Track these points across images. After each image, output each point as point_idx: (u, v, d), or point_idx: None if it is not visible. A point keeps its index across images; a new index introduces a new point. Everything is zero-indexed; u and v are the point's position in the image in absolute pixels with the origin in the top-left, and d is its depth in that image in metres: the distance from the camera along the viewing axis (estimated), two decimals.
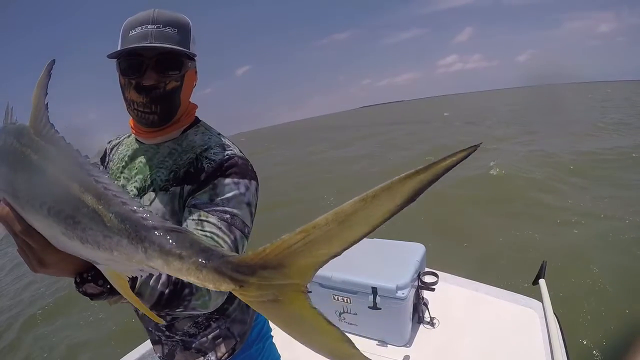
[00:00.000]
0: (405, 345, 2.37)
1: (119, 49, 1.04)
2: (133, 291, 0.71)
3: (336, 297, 2.42)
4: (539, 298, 2.50)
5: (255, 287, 0.42)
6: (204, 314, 1.11)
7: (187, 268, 0.45)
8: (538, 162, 11.01)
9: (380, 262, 2.41)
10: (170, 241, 0.47)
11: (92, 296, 0.70)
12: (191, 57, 1.08)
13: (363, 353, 0.43)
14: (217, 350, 1.18)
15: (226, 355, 1.19)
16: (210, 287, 0.44)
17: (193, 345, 1.17)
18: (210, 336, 1.16)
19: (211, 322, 1.16)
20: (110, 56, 1.05)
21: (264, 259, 0.41)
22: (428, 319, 2.52)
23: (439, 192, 8.50)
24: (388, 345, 2.40)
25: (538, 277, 2.61)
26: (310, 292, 0.42)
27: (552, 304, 2.37)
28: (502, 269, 4.62)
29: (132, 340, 2.51)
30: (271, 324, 1.39)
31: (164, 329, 1.16)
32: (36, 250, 0.62)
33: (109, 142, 1.26)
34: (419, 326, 2.52)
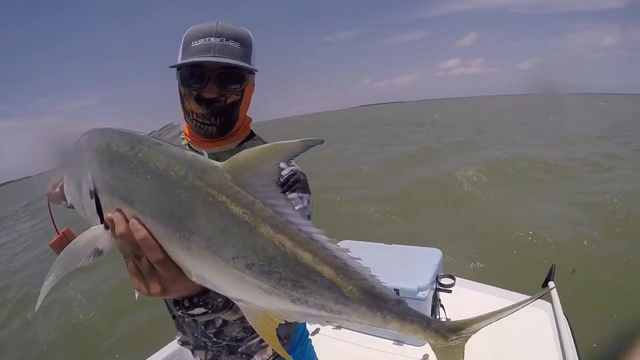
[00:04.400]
0: (422, 345, 2.48)
1: (180, 58, 1.06)
2: (233, 306, 0.76)
3: None
4: (548, 299, 2.63)
5: (450, 340, 0.63)
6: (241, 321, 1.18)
7: (416, 329, 0.61)
8: (518, 165, 11.65)
9: (402, 265, 2.52)
10: (403, 310, 0.59)
11: (193, 316, 0.73)
12: (252, 71, 1.10)
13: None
14: (263, 352, 1.20)
15: (272, 357, 1.21)
16: (430, 340, 0.62)
17: (239, 349, 1.20)
18: (257, 339, 1.20)
19: None
20: (173, 67, 1.07)
21: (460, 326, 0.64)
22: (444, 320, 2.63)
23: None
24: (404, 344, 2.51)
25: (547, 279, 2.73)
26: None
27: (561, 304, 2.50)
28: (508, 273, 4.79)
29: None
30: (308, 327, 1.45)
31: (211, 335, 1.19)
32: (164, 279, 0.62)
33: None
34: None
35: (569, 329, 2.28)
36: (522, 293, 2.80)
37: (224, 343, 1.20)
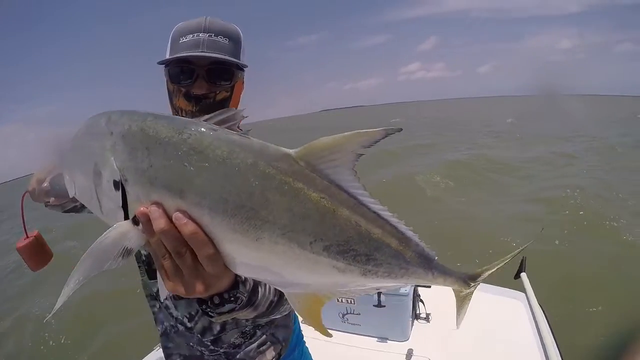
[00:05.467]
0: (405, 340, 2.53)
1: (168, 55, 1.05)
2: (255, 303, 0.76)
3: (339, 299, 2.53)
4: (522, 289, 2.76)
5: (471, 287, 0.73)
6: (251, 323, 1.17)
7: (452, 281, 0.69)
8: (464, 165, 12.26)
9: None
10: (443, 267, 0.66)
11: (220, 314, 0.71)
12: (241, 68, 1.10)
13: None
14: (262, 358, 1.19)
15: None
16: (461, 288, 0.72)
17: (237, 356, 1.18)
18: (255, 344, 1.18)
19: (257, 330, 1.19)
20: (161, 63, 1.05)
21: (477, 274, 0.74)
22: (423, 315, 2.70)
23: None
24: (388, 341, 2.54)
25: (519, 271, 2.86)
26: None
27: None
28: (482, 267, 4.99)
29: None
30: (303, 329, 1.44)
31: (208, 343, 1.17)
32: (209, 276, 0.58)
33: None
34: (414, 322, 2.69)
35: (543, 315, 2.39)
36: (497, 285, 2.93)
37: (222, 350, 1.18)
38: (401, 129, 0.54)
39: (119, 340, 4.64)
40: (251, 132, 0.53)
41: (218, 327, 1.15)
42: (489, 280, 3.00)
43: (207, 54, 1.00)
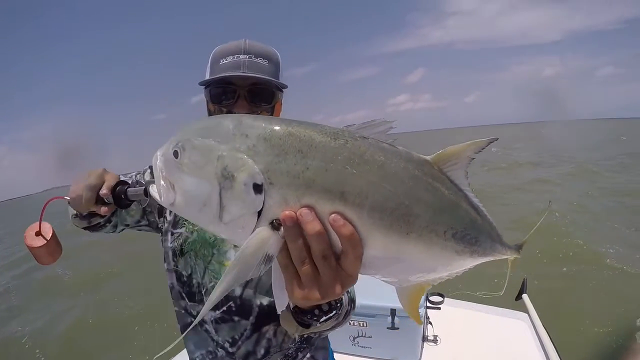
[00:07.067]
0: None
1: (208, 76, 1.07)
2: (339, 311, 0.80)
3: (352, 322, 2.58)
4: (524, 310, 2.86)
5: (520, 253, 0.81)
6: (294, 345, 1.17)
7: (512, 252, 0.77)
8: None
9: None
10: (506, 242, 0.75)
11: (320, 322, 0.74)
12: (280, 89, 1.12)
13: None
14: None
15: None
16: (517, 256, 0.81)
17: None
18: None
19: (299, 352, 1.19)
20: (202, 83, 1.09)
21: (522, 244, 0.83)
22: (431, 337, 2.76)
23: None
24: None
25: (521, 292, 2.96)
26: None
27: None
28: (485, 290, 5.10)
29: None
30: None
31: None
32: (347, 276, 0.59)
33: None
34: (423, 344, 2.74)
35: (547, 335, 2.49)
36: (500, 307, 3.03)
37: None
38: (497, 138, 0.66)
39: None
40: (396, 141, 0.61)
41: (262, 351, 1.14)
42: (491, 302, 3.13)
43: (248, 74, 1.03)
